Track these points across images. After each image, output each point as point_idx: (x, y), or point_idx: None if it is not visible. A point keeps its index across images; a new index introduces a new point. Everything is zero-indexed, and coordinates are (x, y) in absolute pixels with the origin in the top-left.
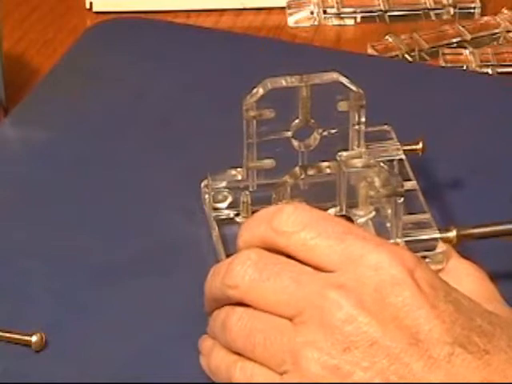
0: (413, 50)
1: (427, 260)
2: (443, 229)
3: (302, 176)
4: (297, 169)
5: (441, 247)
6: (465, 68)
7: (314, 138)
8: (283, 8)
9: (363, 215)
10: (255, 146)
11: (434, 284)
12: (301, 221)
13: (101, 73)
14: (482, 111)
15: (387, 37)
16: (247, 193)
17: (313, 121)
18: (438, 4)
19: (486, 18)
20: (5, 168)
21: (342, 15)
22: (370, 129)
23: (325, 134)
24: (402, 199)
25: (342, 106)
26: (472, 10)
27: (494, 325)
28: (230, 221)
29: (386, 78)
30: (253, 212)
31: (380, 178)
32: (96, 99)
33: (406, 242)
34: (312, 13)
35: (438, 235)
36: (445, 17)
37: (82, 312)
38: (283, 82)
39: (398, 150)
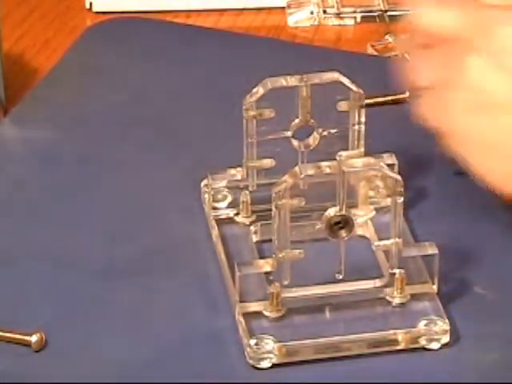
0: None
1: None
2: None
3: (302, 176)
4: (297, 169)
5: None
6: None
7: (314, 138)
8: (283, 8)
9: (363, 215)
10: (255, 145)
11: None
12: None
13: (101, 73)
14: None
15: (387, 37)
16: (247, 192)
17: (313, 121)
18: None
19: None
20: (5, 168)
21: (342, 15)
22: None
23: (325, 133)
24: (402, 199)
25: (342, 106)
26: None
27: None
28: (230, 220)
29: (385, 77)
30: (252, 212)
31: (380, 178)
32: (96, 99)
33: None
34: (312, 13)
35: None
36: None
37: (81, 312)
38: (283, 81)
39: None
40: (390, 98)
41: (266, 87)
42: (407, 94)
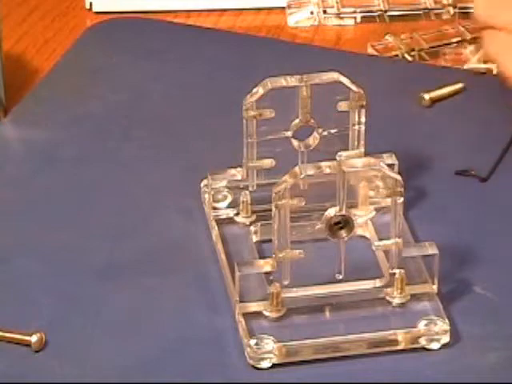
0: (413, 50)
1: None
2: None
3: (302, 176)
4: (297, 169)
5: None
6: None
7: (314, 138)
8: (283, 8)
9: (363, 215)
10: (255, 145)
11: None
12: None
13: (101, 73)
14: (482, 110)
15: (387, 37)
16: (247, 192)
17: (313, 121)
18: (437, 4)
19: None
20: (5, 168)
21: (342, 15)
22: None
23: (325, 133)
24: (402, 199)
25: (342, 106)
26: (472, 10)
27: None
28: (230, 220)
29: (385, 78)
30: (252, 212)
31: (380, 178)
32: (96, 99)
33: None
34: (312, 13)
35: None
36: (445, 17)
37: (81, 312)
38: (283, 81)
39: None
40: (449, 89)
41: (266, 87)
42: (461, 85)
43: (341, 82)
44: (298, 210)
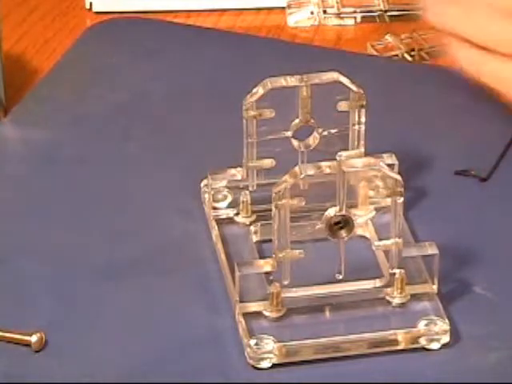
0: (413, 50)
1: None
2: None
3: (302, 176)
4: (297, 169)
5: None
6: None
7: (314, 138)
8: (283, 8)
9: (363, 215)
10: (255, 145)
11: None
12: None
13: (101, 73)
14: (482, 111)
15: (387, 36)
16: (247, 192)
17: (313, 121)
18: None
19: None
20: (5, 168)
21: (342, 15)
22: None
23: (325, 133)
24: (402, 199)
25: (342, 106)
26: None
27: None
28: (230, 220)
29: (386, 77)
30: (252, 212)
31: (380, 178)
32: (96, 99)
33: None
34: (312, 13)
35: None
36: None
37: (81, 312)
38: (283, 81)
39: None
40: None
41: (266, 87)
42: None
43: (341, 82)
44: (298, 209)
